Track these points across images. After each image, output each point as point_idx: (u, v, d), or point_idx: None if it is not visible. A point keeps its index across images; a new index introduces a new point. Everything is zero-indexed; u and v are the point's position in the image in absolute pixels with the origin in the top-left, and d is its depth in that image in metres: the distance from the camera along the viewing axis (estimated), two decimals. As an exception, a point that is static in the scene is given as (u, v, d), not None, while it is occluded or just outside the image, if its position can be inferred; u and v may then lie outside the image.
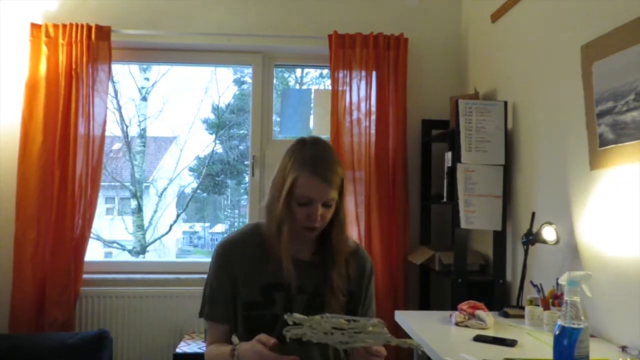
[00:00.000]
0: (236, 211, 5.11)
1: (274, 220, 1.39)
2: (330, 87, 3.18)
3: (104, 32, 3.05)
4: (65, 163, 2.99)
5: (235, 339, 1.33)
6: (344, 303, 1.42)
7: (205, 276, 1.49)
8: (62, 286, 2.95)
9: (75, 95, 3.01)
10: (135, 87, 4.45)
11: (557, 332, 1.30)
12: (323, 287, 1.41)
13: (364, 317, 1.46)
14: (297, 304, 1.40)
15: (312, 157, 1.35)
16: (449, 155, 2.88)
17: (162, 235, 4.69)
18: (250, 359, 1.26)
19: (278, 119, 3.58)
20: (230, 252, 1.44)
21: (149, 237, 4.66)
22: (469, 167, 2.59)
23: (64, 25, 3.03)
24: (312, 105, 3.49)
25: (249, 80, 3.50)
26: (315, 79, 4.66)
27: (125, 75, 4.26)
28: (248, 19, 3.24)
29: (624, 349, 1.73)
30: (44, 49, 3.01)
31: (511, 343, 1.80)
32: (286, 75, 4.62)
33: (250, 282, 1.41)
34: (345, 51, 3.14)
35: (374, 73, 3.16)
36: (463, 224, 2.57)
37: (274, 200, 1.39)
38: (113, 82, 3.74)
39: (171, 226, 4.75)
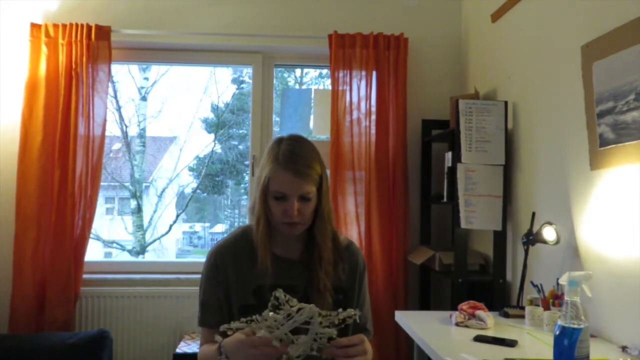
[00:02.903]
0: (236, 211, 5.10)
1: (255, 218, 1.41)
2: (330, 87, 3.18)
3: (103, 32, 3.05)
4: (65, 163, 2.99)
5: (218, 337, 1.31)
6: (333, 302, 1.41)
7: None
8: (62, 286, 2.95)
9: (75, 95, 3.01)
10: (134, 87, 4.45)
11: (557, 332, 1.30)
12: (310, 286, 1.40)
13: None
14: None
15: (286, 152, 1.36)
16: (449, 155, 2.88)
17: (162, 236, 4.69)
18: (235, 349, 1.25)
19: (278, 119, 3.58)
20: (221, 259, 1.44)
21: (148, 237, 4.66)
22: (469, 167, 2.59)
23: (64, 25, 3.03)
24: (312, 105, 3.49)
25: (248, 80, 3.50)
26: (315, 79, 4.66)
27: (124, 75, 4.25)
28: (248, 19, 3.24)
29: (624, 349, 1.73)
30: (43, 49, 3.01)
31: (511, 343, 1.80)
32: (286, 75, 4.61)
33: (243, 285, 1.41)
34: (345, 51, 3.14)
35: (374, 73, 3.16)
36: (463, 224, 2.57)
37: (255, 199, 1.42)
38: (113, 82, 3.74)
39: (171, 226, 4.75)
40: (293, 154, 1.36)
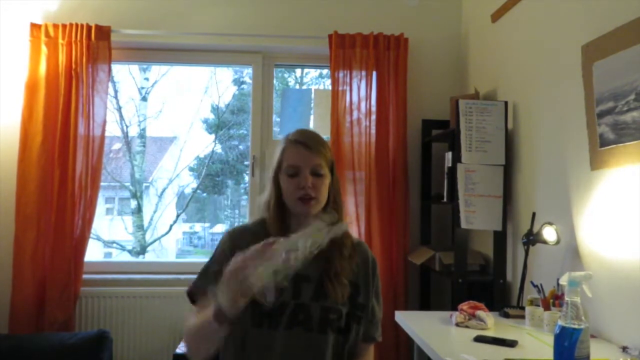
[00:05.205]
0: (236, 211, 5.09)
1: (266, 200, 1.45)
2: (330, 87, 3.18)
3: (103, 32, 3.05)
4: (65, 163, 2.99)
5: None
6: (348, 291, 1.42)
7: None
8: (62, 286, 2.95)
9: (75, 95, 3.01)
10: (135, 87, 4.45)
11: (557, 333, 1.30)
12: (326, 273, 1.41)
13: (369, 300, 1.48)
14: (304, 292, 1.41)
15: (296, 133, 1.45)
16: (449, 155, 2.88)
17: (162, 236, 4.68)
18: (228, 288, 1.16)
19: (278, 119, 3.57)
20: (237, 238, 1.43)
21: (148, 237, 4.65)
22: (469, 167, 2.59)
23: (64, 25, 3.03)
24: (312, 105, 3.49)
25: (249, 80, 3.50)
26: (315, 79, 4.66)
27: (125, 75, 4.25)
28: (248, 19, 3.24)
29: (624, 349, 1.73)
30: (43, 49, 3.01)
31: (511, 343, 1.80)
32: (286, 75, 4.61)
33: None
34: (345, 51, 3.14)
35: (374, 73, 3.16)
36: (463, 224, 2.57)
37: (269, 187, 1.46)
38: (113, 82, 3.74)
39: (171, 226, 4.74)
40: (303, 133, 1.44)
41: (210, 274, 1.39)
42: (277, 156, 1.43)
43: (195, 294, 1.40)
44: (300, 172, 1.38)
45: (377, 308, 1.52)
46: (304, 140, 1.41)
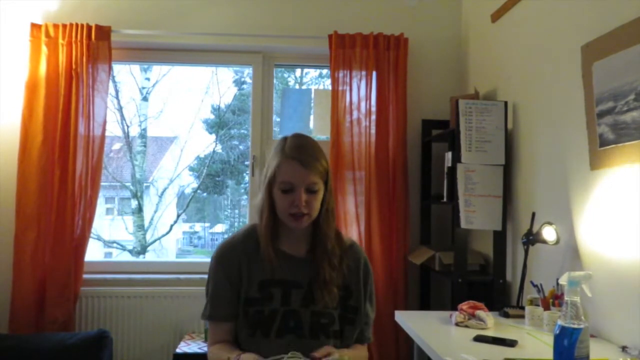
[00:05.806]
0: (236, 211, 5.10)
1: (259, 212, 1.44)
2: (330, 87, 3.18)
3: (104, 32, 3.05)
4: (65, 163, 2.99)
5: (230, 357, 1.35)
6: (338, 297, 1.44)
7: (206, 276, 1.51)
8: (62, 286, 2.95)
9: (75, 95, 3.01)
10: (136, 88, 4.45)
11: (557, 332, 1.30)
12: (315, 281, 1.42)
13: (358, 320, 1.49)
14: (294, 298, 1.42)
15: (292, 145, 1.41)
16: (449, 155, 2.87)
17: (163, 236, 4.69)
18: None
19: (278, 119, 3.58)
20: (227, 253, 1.47)
21: (149, 237, 4.66)
22: (469, 167, 2.58)
23: (64, 25, 3.03)
24: (312, 105, 3.49)
25: (249, 81, 3.50)
26: (315, 79, 4.66)
27: (126, 75, 4.26)
28: (248, 19, 3.24)
29: (624, 349, 1.73)
30: (44, 49, 3.01)
31: (511, 343, 1.80)
32: (286, 75, 4.62)
33: (250, 279, 1.43)
34: (345, 51, 3.14)
35: (374, 73, 3.16)
36: (463, 224, 2.56)
37: (262, 195, 1.45)
38: (114, 82, 3.74)
39: (171, 226, 4.75)
40: (299, 146, 1.40)
41: (220, 300, 1.45)
42: (271, 169, 1.39)
43: (210, 317, 1.46)
44: (294, 189, 1.37)
45: (370, 310, 1.53)
46: (299, 157, 1.37)
